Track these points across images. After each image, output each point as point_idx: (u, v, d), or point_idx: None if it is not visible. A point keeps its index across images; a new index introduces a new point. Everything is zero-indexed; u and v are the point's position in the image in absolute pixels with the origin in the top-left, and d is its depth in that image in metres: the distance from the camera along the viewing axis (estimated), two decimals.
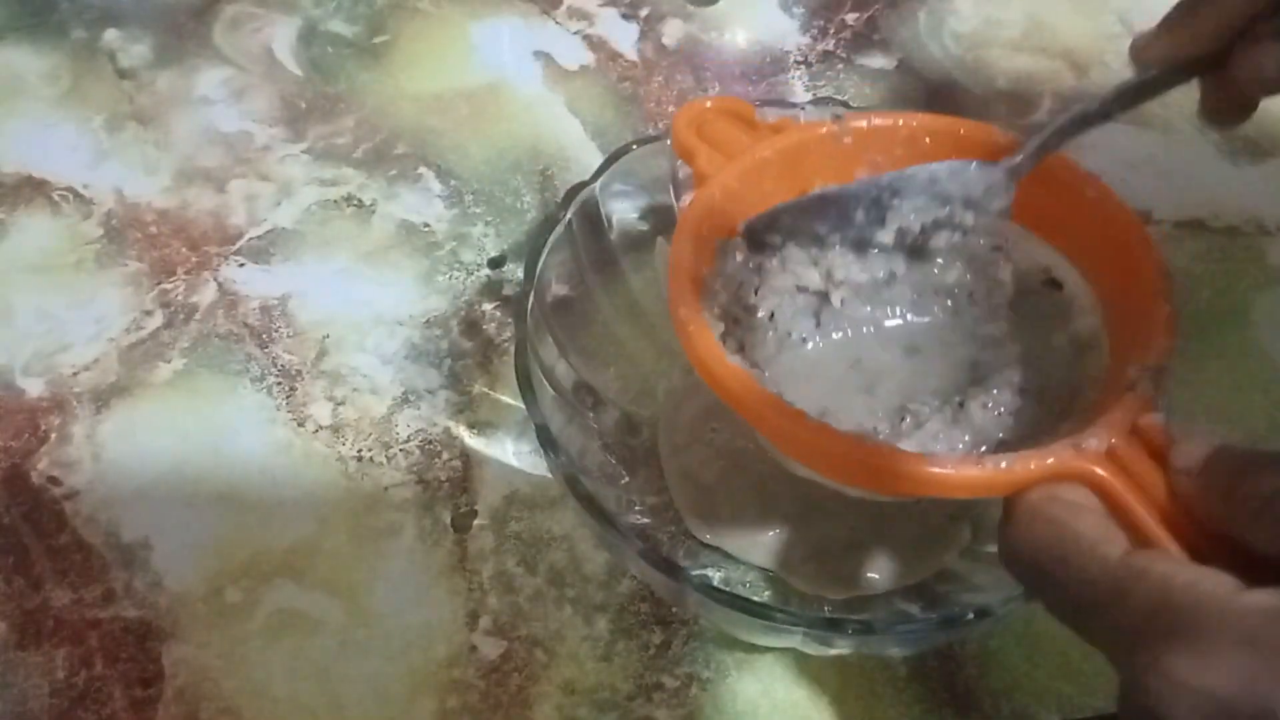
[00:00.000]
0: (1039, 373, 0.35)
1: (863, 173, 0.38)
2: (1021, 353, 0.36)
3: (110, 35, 0.58)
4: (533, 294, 0.39)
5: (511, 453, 0.44)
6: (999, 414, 0.34)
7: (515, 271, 0.50)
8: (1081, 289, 0.36)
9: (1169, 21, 0.34)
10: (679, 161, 0.44)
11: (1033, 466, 0.29)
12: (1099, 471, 0.28)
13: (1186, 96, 0.35)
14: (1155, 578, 0.24)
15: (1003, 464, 0.29)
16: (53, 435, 0.44)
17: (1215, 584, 0.24)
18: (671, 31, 0.60)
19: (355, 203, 0.52)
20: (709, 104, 0.39)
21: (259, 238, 0.51)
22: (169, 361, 0.46)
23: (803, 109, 0.43)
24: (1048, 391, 0.34)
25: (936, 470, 0.29)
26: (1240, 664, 0.22)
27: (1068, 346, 0.36)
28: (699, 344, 0.33)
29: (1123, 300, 0.35)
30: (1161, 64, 0.34)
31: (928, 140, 0.38)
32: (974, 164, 0.35)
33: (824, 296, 0.36)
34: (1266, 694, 0.22)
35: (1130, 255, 0.34)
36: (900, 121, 0.38)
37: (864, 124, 0.38)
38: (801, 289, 0.36)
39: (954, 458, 0.30)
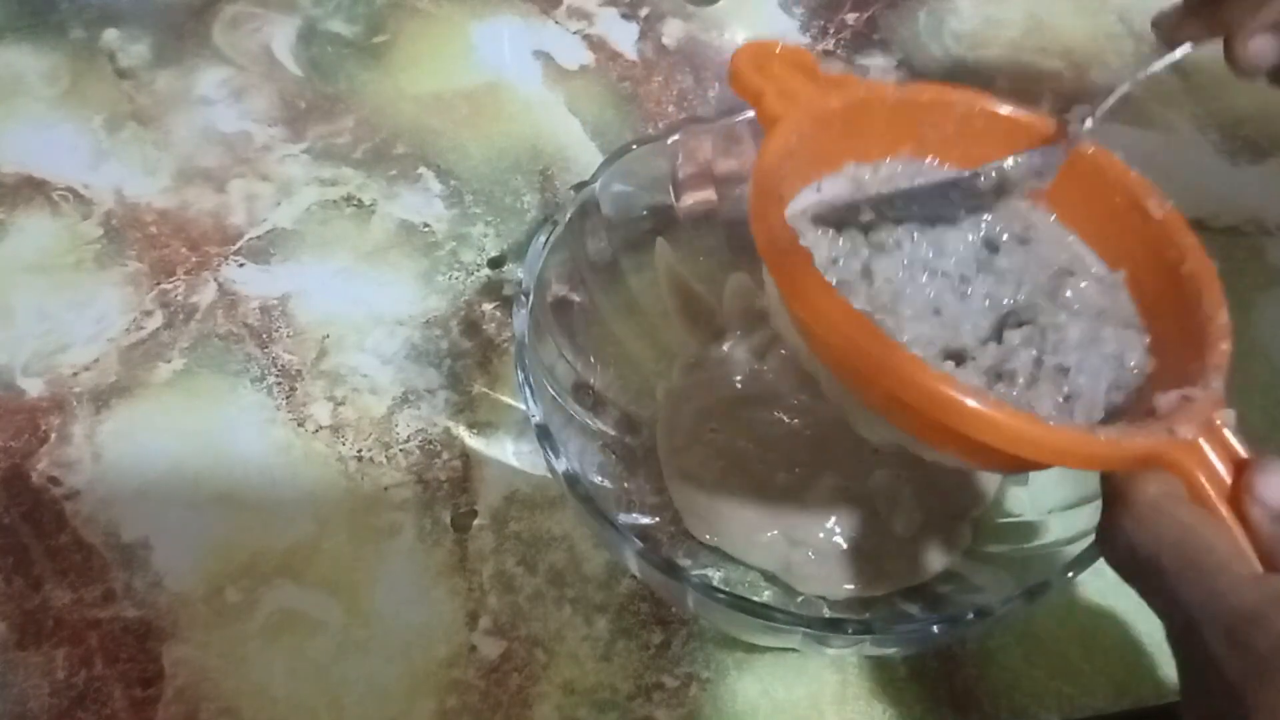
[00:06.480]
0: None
1: (908, 147, 0.37)
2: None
3: (110, 35, 0.58)
4: (533, 294, 0.39)
5: (511, 453, 0.44)
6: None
7: (515, 271, 0.50)
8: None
9: (1195, 2, 0.34)
10: (679, 161, 0.44)
11: (1139, 441, 0.27)
12: (1191, 465, 0.27)
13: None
14: None
15: (1100, 434, 0.27)
16: (53, 435, 0.44)
17: None
18: (671, 31, 0.60)
19: (355, 203, 0.52)
20: (778, 49, 0.37)
21: (259, 238, 0.51)
22: (169, 361, 0.46)
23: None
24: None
25: (1033, 428, 0.27)
26: None
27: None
28: (807, 281, 0.30)
29: (1167, 304, 0.34)
30: (1188, 43, 0.35)
31: (980, 124, 0.37)
32: (1036, 153, 0.35)
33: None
34: None
35: (1181, 263, 0.33)
36: (959, 98, 0.37)
37: (925, 96, 0.37)
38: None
39: (1052, 420, 0.28)
